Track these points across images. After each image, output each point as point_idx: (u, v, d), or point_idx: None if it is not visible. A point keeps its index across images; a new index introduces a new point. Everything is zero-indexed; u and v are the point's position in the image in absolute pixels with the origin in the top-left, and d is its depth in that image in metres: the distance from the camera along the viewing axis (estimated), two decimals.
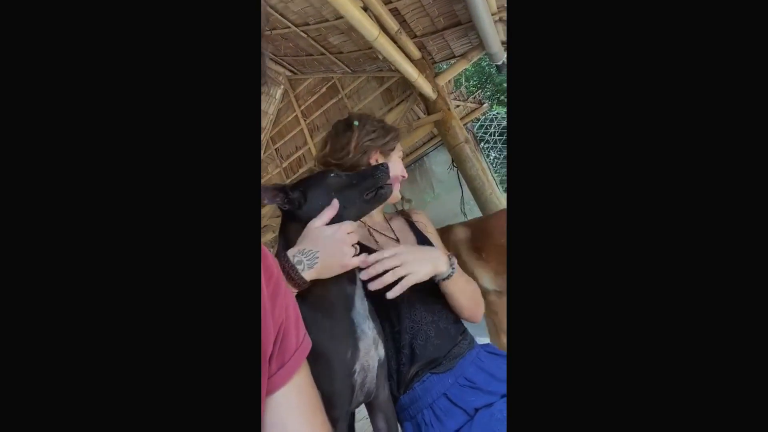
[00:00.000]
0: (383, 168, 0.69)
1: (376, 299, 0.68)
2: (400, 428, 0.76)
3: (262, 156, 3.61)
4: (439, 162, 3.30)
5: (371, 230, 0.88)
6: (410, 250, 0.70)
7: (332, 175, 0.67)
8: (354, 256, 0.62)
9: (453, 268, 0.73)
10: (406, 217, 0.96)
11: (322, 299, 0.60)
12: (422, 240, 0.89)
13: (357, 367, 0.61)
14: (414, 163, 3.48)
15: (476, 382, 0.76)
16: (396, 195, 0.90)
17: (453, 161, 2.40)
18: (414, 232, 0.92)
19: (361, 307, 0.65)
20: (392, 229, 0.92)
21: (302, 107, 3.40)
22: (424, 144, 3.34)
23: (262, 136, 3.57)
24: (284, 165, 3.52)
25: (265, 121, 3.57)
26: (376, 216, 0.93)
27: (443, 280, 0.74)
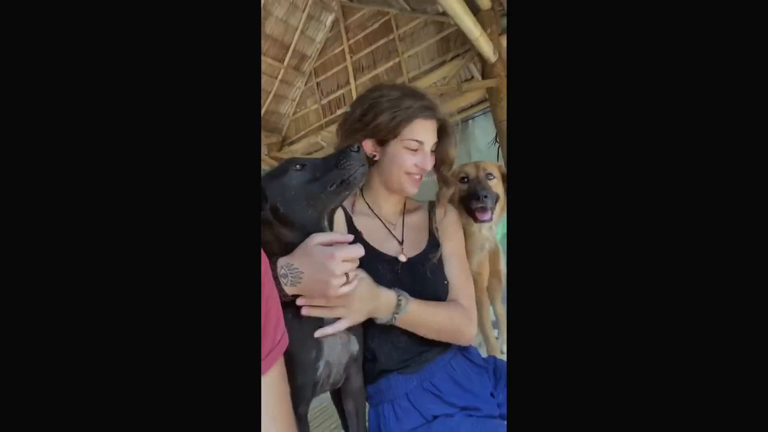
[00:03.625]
0: (349, 154, 0.58)
1: None
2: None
3: (303, 87, 3.48)
4: (484, 129, 3.01)
5: (385, 223, 0.81)
6: (359, 294, 0.63)
7: (295, 167, 0.59)
8: (345, 284, 0.57)
9: (395, 314, 0.67)
10: (431, 211, 0.85)
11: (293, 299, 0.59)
12: (432, 247, 0.80)
13: (320, 364, 0.61)
14: (456, 125, 3.21)
15: (440, 390, 0.75)
16: (411, 190, 0.78)
17: (496, 137, 2.17)
18: (429, 233, 0.82)
19: None
20: (403, 226, 0.84)
21: (351, 41, 3.14)
22: (472, 106, 3.02)
23: (306, 65, 3.39)
24: (323, 102, 3.38)
25: (311, 49, 3.37)
26: (392, 206, 0.84)
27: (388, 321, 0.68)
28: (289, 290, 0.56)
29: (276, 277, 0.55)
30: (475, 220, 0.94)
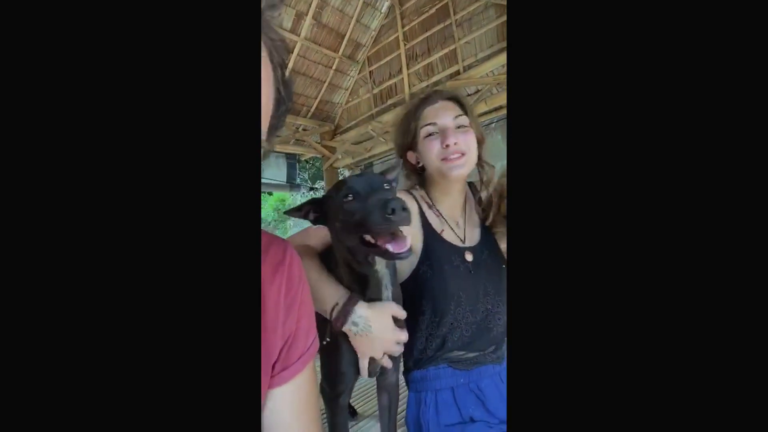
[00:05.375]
0: (389, 219, 0.51)
1: (424, 290, 0.71)
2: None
3: (356, 76, 3.50)
4: None
5: (446, 218, 0.79)
6: None
7: (347, 197, 0.56)
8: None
9: None
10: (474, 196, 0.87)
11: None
12: (485, 235, 0.83)
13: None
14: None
15: (486, 396, 0.75)
16: (453, 173, 0.74)
17: None
18: (481, 221, 0.85)
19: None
20: (465, 220, 0.83)
21: (406, 27, 3.06)
22: None
23: (360, 53, 3.40)
24: (375, 91, 3.37)
25: (366, 37, 3.36)
26: (452, 200, 0.81)
27: None
28: (347, 331, 0.62)
29: (343, 320, 0.60)
30: None
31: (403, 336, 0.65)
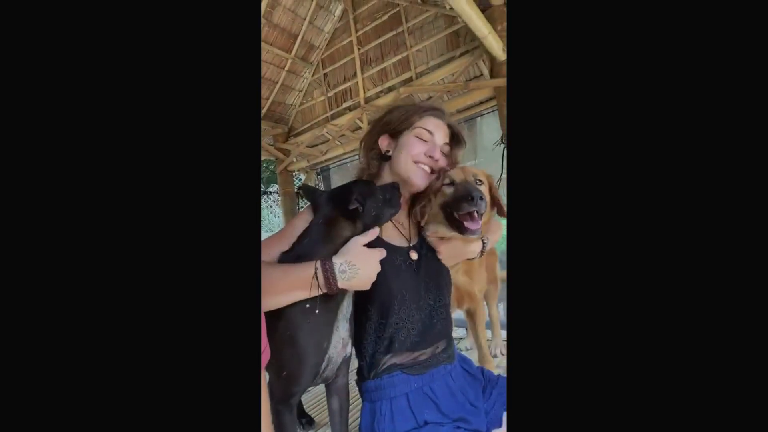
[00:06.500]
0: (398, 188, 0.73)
1: (369, 293, 0.71)
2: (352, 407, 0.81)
3: (310, 78, 3.44)
4: (493, 128, 2.95)
5: (395, 224, 0.84)
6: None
7: (377, 187, 0.72)
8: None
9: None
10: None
11: (321, 296, 0.66)
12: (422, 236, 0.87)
13: (326, 357, 0.67)
14: (465, 121, 3.14)
15: (438, 397, 0.77)
16: (418, 181, 0.80)
17: (503, 138, 2.13)
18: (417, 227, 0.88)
19: (347, 309, 0.70)
20: (410, 224, 0.87)
21: (359, 32, 3.07)
22: (481, 103, 2.95)
23: (314, 55, 3.34)
24: (329, 94, 3.33)
25: (320, 39, 3.32)
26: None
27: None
28: (341, 284, 0.63)
29: (332, 276, 0.62)
30: (461, 231, 0.77)
31: (382, 252, 0.68)
